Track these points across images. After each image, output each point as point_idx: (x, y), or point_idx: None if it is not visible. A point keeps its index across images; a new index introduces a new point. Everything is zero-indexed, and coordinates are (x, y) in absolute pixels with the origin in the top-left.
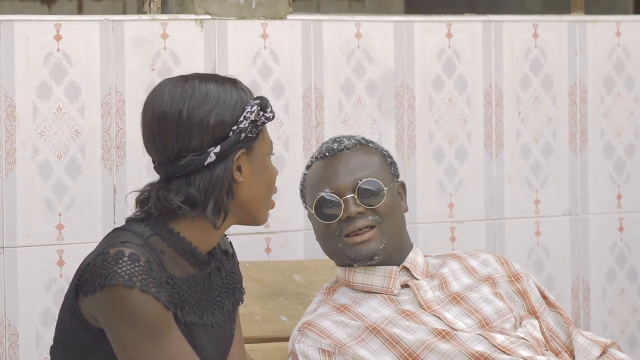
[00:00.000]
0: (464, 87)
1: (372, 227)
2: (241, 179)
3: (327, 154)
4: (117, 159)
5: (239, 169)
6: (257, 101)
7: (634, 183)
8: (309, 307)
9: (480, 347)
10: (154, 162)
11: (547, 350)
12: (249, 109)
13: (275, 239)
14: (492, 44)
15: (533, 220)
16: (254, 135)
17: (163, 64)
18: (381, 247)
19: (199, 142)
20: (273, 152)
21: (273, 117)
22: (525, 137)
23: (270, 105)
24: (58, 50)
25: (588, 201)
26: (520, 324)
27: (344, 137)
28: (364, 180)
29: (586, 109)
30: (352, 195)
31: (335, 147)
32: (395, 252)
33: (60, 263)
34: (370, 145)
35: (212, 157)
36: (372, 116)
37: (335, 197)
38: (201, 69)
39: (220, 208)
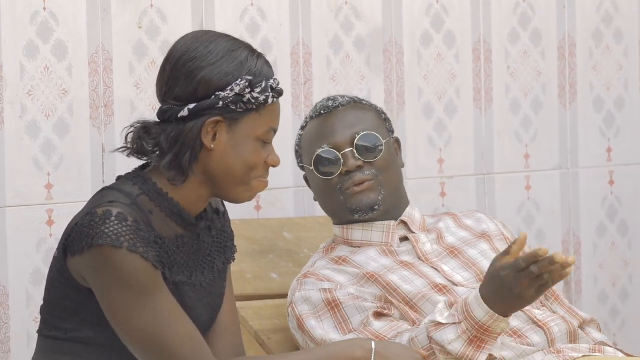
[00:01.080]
0: (453, 42)
1: (369, 180)
2: (212, 146)
3: (322, 111)
4: (105, 118)
5: (214, 136)
6: (250, 77)
7: (623, 136)
8: (306, 265)
9: None
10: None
11: (542, 306)
12: (238, 81)
13: (265, 197)
14: None
15: (523, 175)
16: (240, 110)
17: (150, 22)
18: (380, 198)
19: (181, 92)
20: (268, 140)
21: (265, 100)
22: (515, 92)
23: (266, 88)
24: (44, 9)
25: (578, 155)
26: None
27: (337, 96)
28: (362, 134)
29: (575, 63)
30: (351, 149)
31: (330, 105)
32: (393, 206)
33: (50, 223)
34: (364, 102)
35: (185, 112)
36: (360, 72)
37: (333, 153)
38: (188, 27)
39: (178, 165)
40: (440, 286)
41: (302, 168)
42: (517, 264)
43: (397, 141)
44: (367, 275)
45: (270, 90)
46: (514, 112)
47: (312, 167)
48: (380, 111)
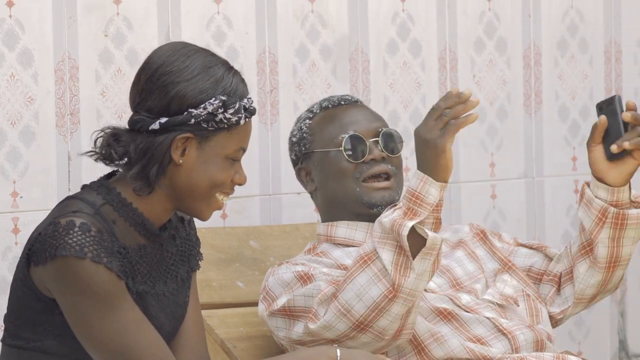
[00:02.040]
0: (419, 50)
1: (389, 176)
2: (180, 161)
3: (342, 102)
4: (71, 126)
5: (183, 151)
6: (224, 98)
7: None
8: None
9: (446, 305)
10: None
11: (518, 306)
12: (212, 100)
13: (231, 205)
14: (446, 7)
15: (489, 184)
16: (212, 129)
17: (116, 30)
18: (397, 198)
19: (154, 105)
20: (237, 158)
21: (237, 121)
22: (481, 100)
23: (239, 109)
24: (10, 16)
25: (543, 164)
26: (494, 283)
27: (349, 95)
28: (386, 129)
29: (540, 72)
30: (376, 139)
31: (349, 98)
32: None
33: (15, 231)
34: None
35: (156, 125)
36: (326, 80)
37: (362, 139)
38: (154, 35)
39: (145, 176)
40: None
41: (303, 157)
42: (431, 111)
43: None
44: (342, 267)
45: (243, 111)
46: (479, 121)
47: (342, 148)
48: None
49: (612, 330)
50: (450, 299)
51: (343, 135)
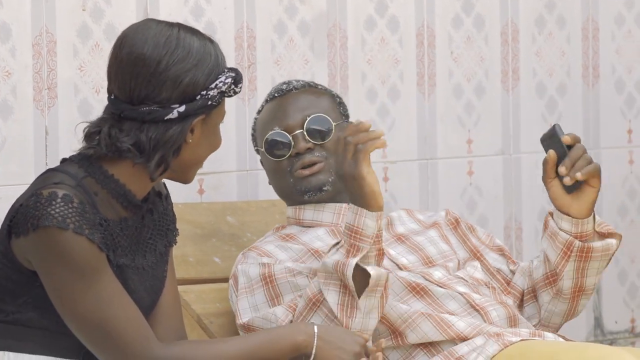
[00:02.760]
0: (396, 27)
1: (319, 162)
2: (190, 140)
3: (275, 94)
4: (48, 100)
5: (192, 130)
6: (233, 74)
7: (566, 122)
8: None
9: (418, 280)
10: (109, 93)
11: (488, 288)
12: (222, 78)
13: (208, 180)
14: None
15: (466, 160)
16: (216, 104)
17: (94, 5)
18: (330, 180)
19: (167, 96)
20: (223, 121)
21: (239, 92)
22: (458, 77)
23: (242, 80)
24: None
25: (520, 140)
26: (463, 266)
27: (293, 80)
28: (312, 116)
29: (518, 49)
30: (301, 131)
31: (284, 88)
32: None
33: None
34: (319, 87)
35: (174, 114)
36: (304, 56)
37: (284, 135)
38: (133, 9)
39: (163, 163)
40: (383, 267)
41: (257, 151)
42: (337, 147)
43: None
44: (312, 251)
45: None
46: (456, 97)
47: (263, 149)
48: (335, 95)
49: (588, 307)
50: (422, 276)
51: (267, 135)
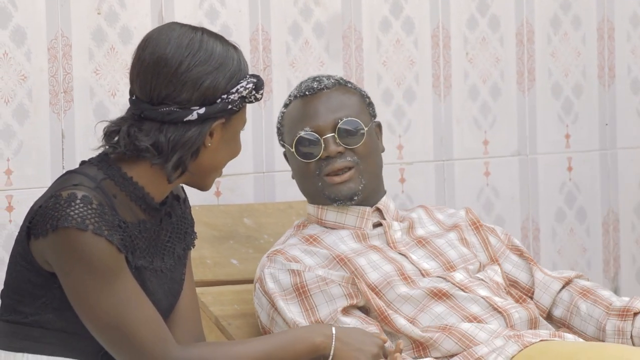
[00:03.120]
0: (412, 28)
1: (350, 167)
2: (209, 144)
3: (307, 92)
4: (64, 104)
5: (211, 134)
6: (254, 80)
7: (582, 123)
8: (278, 240)
9: (440, 285)
10: (131, 94)
11: (507, 294)
12: (244, 84)
13: (225, 182)
14: None
15: (482, 161)
16: (237, 109)
17: (109, 8)
18: (360, 188)
19: (187, 97)
20: (244, 128)
21: (261, 99)
22: (473, 78)
23: (264, 87)
24: None
25: (537, 141)
26: (484, 269)
27: (323, 76)
28: (344, 120)
29: (533, 49)
30: (332, 134)
31: (315, 87)
32: (372, 193)
33: (10, 209)
34: (349, 85)
35: (193, 116)
36: (319, 58)
37: (315, 136)
38: (147, 13)
39: (180, 165)
40: (406, 275)
41: (283, 145)
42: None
43: (379, 125)
44: (337, 258)
45: (262, 86)
46: (472, 99)
47: (293, 149)
48: (364, 95)
49: None
50: (444, 279)
51: (298, 134)
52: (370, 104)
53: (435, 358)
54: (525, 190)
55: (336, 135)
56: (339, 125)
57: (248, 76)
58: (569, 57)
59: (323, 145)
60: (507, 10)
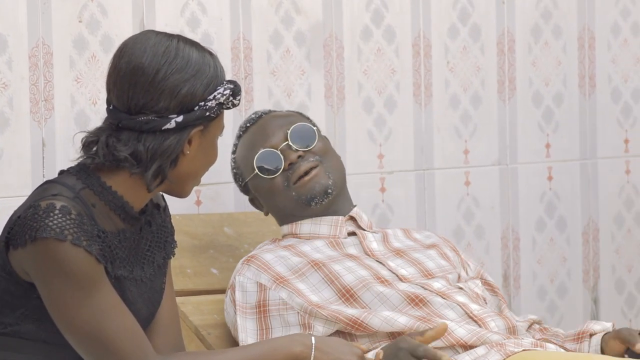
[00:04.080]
0: (393, 37)
1: (315, 166)
2: (188, 152)
3: (248, 124)
4: (45, 112)
5: (189, 141)
6: (231, 86)
7: (562, 132)
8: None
9: (417, 291)
10: (108, 103)
11: (485, 303)
12: (221, 90)
13: (206, 192)
14: None
15: (463, 171)
16: (215, 115)
17: (90, 16)
18: (330, 183)
19: (165, 105)
20: (222, 134)
21: (238, 104)
22: (454, 87)
23: (241, 92)
24: None
25: (517, 151)
26: (464, 281)
27: (256, 111)
28: (293, 126)
29: (514, 58)
30: (286, 142)
31: (254, 117)
32: (343, 199)
33: None
34: (283, 110)
35: (171, 124)
36: (300, 67)
37: (271, 151)
38: (129, 20)
39: (160, 173)
40: (383, 279)
41: (246, 188)
42: (418, 350)
43: (326, 139)
44: (312, 263)
45: (239, 92)
46: (453, 107)
47: (256, 171)
48: (302, 114)
49: (586, 317)
50: (422, 286)
51: (255, 158)
52: (309, 119)
53: None
54: (506, 199)
55: (290, 142)
56: (289, 133)
57: (225, 82)
58: (549, 66)
59: (282, 156)
60: (488, 20)
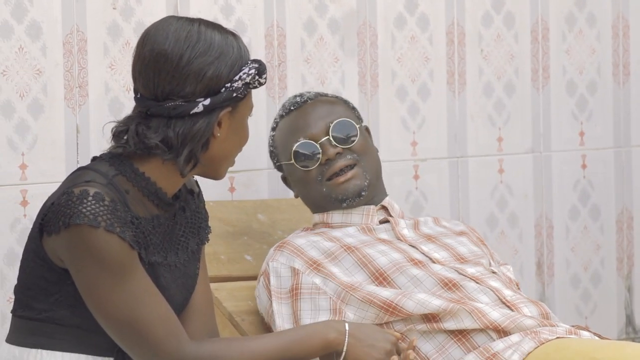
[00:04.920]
0: (426, 25)
1: (352, 166)
2: (218, 134)
3: (291, 107)
4: (79, 99)
5: (219, 124)
6: (256, 65)
7: (596, 120)
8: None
9: (450, 275)
10: (135, 92)
11: (518, 289)
12: (246, 70)
13: (239, 178)
14: None
15: (496, 158)
16: (242, 96)
17: (124, 3)
18: (366, 184)
19: (191, 90)
20: (251, 114)
21: (265, 83)
22: (488, 75)
23: (266, 71)
24: None
25: (551, 139)
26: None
27: (303, 92)
28: (336, 121)
29: (548, 46)
30: (327, 137)
31: (299, 100)
32: (376, 191)
33: (24, 203)
34: (330, 95)
35: (199, 108)
36: (334, 55)
37: (311, 143)
38: (163, 7)
39: (192, 157)
40: (416, 260)
41: (280, 168)
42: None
43: (367, 129)
44: (344, 247)
45: (265, 70)
46: (487, 95)
47: (292, 161)
48: (347, 102)
49: (619, 305)
50: (456, 270)
51: (293, 146)
52: (354, 109)
53: (445, 336)
54: (539, 187)
55: (331, 138)
56: (331, 128)
57: (249, 62)
58: (583, 54)
59: (320, 150)
60: (522, 8)
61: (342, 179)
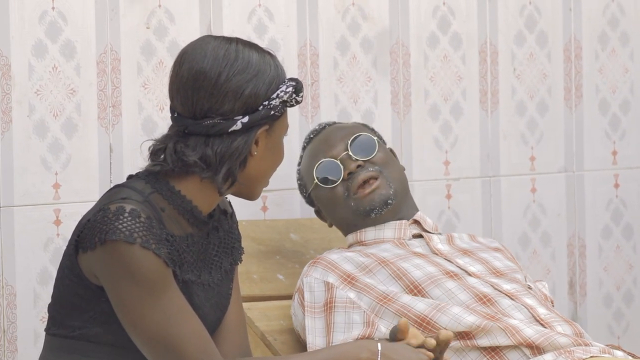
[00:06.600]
0: (459, 43)
1: (375, 177)
2: (256, 153)
3: (311, 135)
4: (113, 118)
5: (256, 142)
6: (293, 83)
7: (629, 139)
8: None
9: (486, 290)
10: (172, 111)
11: (552, 306)
12: (283, 88)
13: (272, 197)
14: (487, 0)
15: (529, 177)
16: (279, 114)
17: (158, 22)
18: (391, 192)
19: (230, 108)
20: (287, 134)
21: (301, 101)
22: (521, 94)
23: (303, 89)
24: (53, 8)
25: (583, 158)
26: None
27: (320, 123)
28: (354, 136)
29: (581, 65)
30: (347, 152)
31: (318, 128)
32: (406, 204)
33: (57, 222)
34: (350, 122)
35: (238, 126)
36: (367, 74)
37: (331, 161)
38: (196, 27)
39: (230, 175)
40: (452, 273)
41: (310, 200)
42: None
43: (392, 151)
44: (379, 261)
45: (302, 89)
46: (519, 114)
47: (316, 181)
48: (367, 125)
49: None
50: (492, 286)
51: (315, 168)
52: (374, 130)
53: (479, 354)
54: (572, 206)
55: (350, 153)
56: (349, 142)
57: (287, 80)
58: (616, 73)
59: (341, 165)
60: (554, 27)
61: (367, 190)
